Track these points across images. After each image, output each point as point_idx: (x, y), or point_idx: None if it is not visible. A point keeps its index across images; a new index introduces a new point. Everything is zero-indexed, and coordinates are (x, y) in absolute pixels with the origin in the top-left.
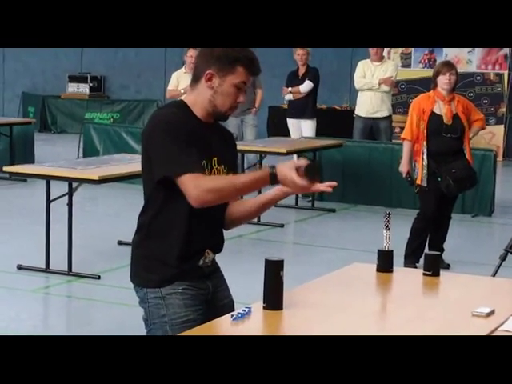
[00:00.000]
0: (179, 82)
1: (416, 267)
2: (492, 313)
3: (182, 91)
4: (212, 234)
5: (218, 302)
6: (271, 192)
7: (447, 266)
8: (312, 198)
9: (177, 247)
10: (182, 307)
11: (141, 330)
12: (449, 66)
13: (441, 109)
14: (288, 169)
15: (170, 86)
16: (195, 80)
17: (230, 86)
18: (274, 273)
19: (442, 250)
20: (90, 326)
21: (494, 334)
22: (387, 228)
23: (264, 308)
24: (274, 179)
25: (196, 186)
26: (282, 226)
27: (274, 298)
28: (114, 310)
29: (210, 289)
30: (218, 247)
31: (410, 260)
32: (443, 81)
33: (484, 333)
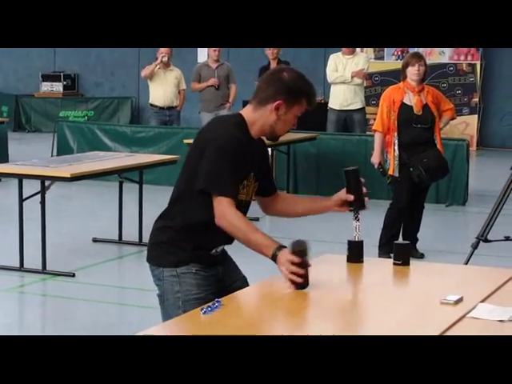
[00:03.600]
0: (152, 76)
1: (390, 257)
2: (460, 300)
3: (155, 65)
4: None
5: (230, 283)
6: (323, 205)
7: (421, 256)
8: (287, 190)
9: (198, 243)
10: (194, 286)
11: (115, 328)
12: (417, 57)
13: (411, 99)
14: (284, 260)
15: None
16: (260, 102)
17: (293, 116)
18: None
19: (416, 240)
20: (66, 323)
21: (462, 322)
22: (357, 219)
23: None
24: (274, 259)
25: (225, 213)
26: (257, 219)
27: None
28: (89, 307)
29: (219, 272)
30: (231, 241)
31: (384, 250)
32: (412, 72)
33: (452, 320)
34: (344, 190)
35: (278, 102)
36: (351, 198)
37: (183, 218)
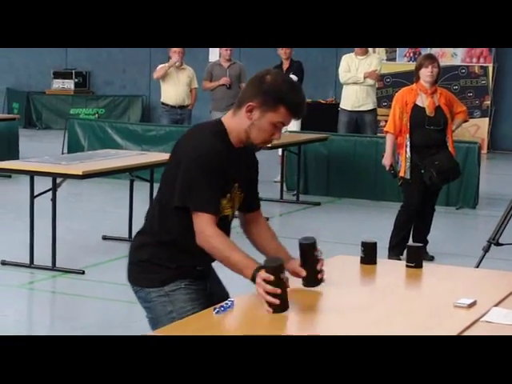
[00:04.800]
0: (165, 76)
1: (400, 259)
2: (474, 304)
3: (167, 66)
4: None
5: (217, 300)
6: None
7: (431, 258)
8: (297, 191)
9: (180, 261)
10: (187, 301)
11: (125, 325)
12: (431, 58)
13: (423, 101)
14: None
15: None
16: (238, 105)
17: (268, 123)
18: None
19: (426, 242)
20: (75, 321)
21: (476, 325)
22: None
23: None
24: (254, 280)
25: (202, 231)
26: (266, 219)
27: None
28: (99, 305)
29: (207, 287)
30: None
31: (394, 252)
32: (425, 73)
33: (465, 324)
34: (296, 261)
35: (249, 104)
36: (303, 274)
37: (162, 234)
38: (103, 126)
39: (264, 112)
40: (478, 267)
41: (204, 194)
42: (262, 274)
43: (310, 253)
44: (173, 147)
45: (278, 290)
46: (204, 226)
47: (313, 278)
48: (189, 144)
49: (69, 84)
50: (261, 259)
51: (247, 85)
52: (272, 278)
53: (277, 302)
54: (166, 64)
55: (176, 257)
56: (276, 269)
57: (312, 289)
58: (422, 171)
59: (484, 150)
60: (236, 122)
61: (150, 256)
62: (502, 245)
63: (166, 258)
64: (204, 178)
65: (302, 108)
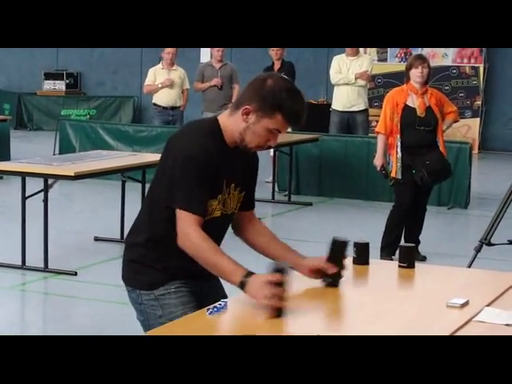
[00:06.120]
0: (156, 77)
1: (392, 259)
2: (466, 304)
3: (160, 85)
4: None
5: (210, 298)
6: (293, 263)
7: (423, 258)
8: (289, 191)
9: (171, 262)
10: (177, 306)
11: (117, 327)
12: (421, 59)
13: (414, 102)
14: (261, 283)
15: (147, 82)
16: (236, 106)
17: (263, 129)
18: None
19: (418, 242)
20: (67, 322)
21: (468, 325)
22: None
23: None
24: (242, 288)
25: (185, 232)
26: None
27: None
28: (91, 306)
29: (202, 290)
30: None
31: (386, 252)
32: (416, 74)
33: (458, 324)
34: (322, 258)
35: (246, 107)
36: (334, 270)
37: (151, 233)
38: (95, 127)
39: (260, 117)
40: (470, 267)
41: (191, 194)
42: (266, 276)
43: (343, 250)
44: (166, 143)
45: (283, 292)
46: (188, 226)
47: (339, 276)
48: (182, 142)
49: (60, 85)
50: (256, 259)
51: (247, 86)
52: (277, 278)
53: (281, 304)
54: (159, 84)
55: (165, 257)
56: (285, 271)
57: (304, 290)
58: (413, 171)
59: (475, 150)
60: (231, 123)
61: (140, 256)
62: (493, 245)
63: (154, 258)
64: (193, 177)
65: (300, 117)
